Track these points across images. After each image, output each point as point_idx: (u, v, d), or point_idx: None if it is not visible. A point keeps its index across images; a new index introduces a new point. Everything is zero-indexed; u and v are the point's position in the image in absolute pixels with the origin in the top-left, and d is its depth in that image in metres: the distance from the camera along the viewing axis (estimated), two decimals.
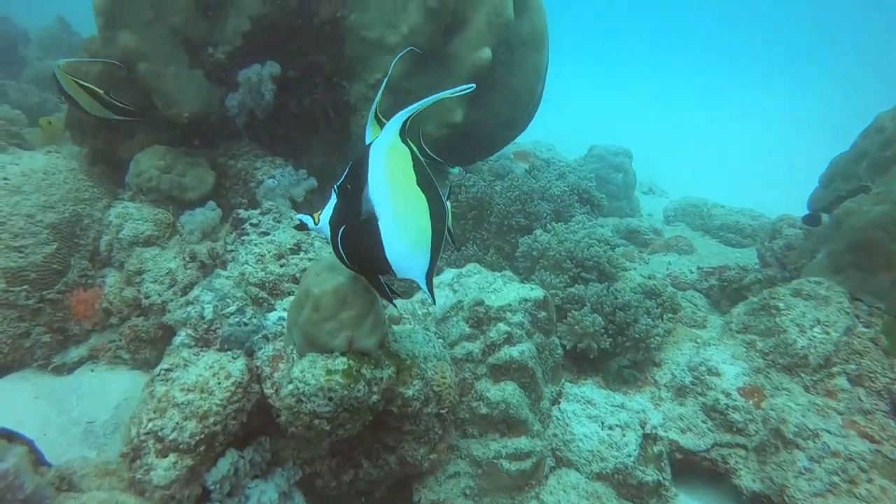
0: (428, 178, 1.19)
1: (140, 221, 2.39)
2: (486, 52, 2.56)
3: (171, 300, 2.16)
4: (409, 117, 1.19)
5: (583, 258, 2.21)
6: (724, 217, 4.23)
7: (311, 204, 2.70)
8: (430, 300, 1.59)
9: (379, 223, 1.19)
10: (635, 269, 2.72)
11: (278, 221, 2.16)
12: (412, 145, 1.21)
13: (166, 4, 2.42)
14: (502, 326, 1.82)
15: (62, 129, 2.96)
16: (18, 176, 2.29)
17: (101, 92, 2.40)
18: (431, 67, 2.67)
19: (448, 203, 1.30)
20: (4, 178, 2.26)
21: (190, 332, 1.78)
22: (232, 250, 2.03)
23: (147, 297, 2.20)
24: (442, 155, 3.04)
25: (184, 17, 2.49)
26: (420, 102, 1.16)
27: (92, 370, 2.23)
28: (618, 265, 2.34)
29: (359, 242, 1.24)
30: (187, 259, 2.27)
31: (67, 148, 2.94)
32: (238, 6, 2.51)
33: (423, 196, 1.18)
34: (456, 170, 2.84)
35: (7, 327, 2.15)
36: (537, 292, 1.97)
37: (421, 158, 1.20)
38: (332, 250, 1.30)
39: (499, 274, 2.12)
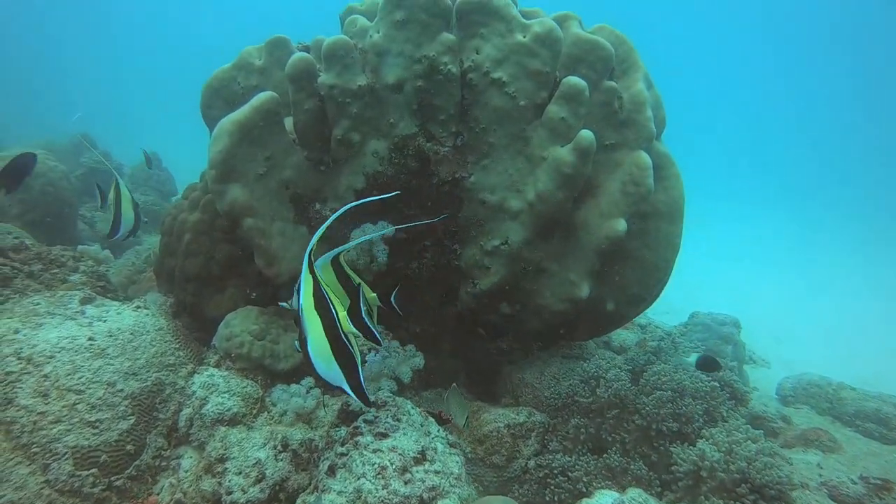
0: (321, 299, 1.42)
1: (227, 395, 2.11)
2: (621, 224, 2.30)
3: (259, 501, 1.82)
4: (311, 250, 1.45)
5: (762, 483, 1.79)
6: (858, 403, 3.71)
7: (415, 389, 2.40)
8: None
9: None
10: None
11: (397, 420, 1.84)
12: (318, 274, 1.46)
13: (281, 158, 2.29)
14: None
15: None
16: (104, 336, 2.07)
17: None
18: (555, 237, 2.43)
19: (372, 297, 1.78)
20: (90, 339, 2.03)
21: None
22: (343, 453, 1.70)
23: (230, 493, 1.86)
24: (555, 334, 2.74)
25: (296, 171, 2.34)
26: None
27: None
28: (795, 484, 1.91)
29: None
30: (279, 448, 1.94)
31: (153, 296, 2.76)
32: (354, 163, 2.36)
33: (317, 316, 1.40)
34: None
35: None
36: None
37: (321, 285, 1.44)
38: None
39: None
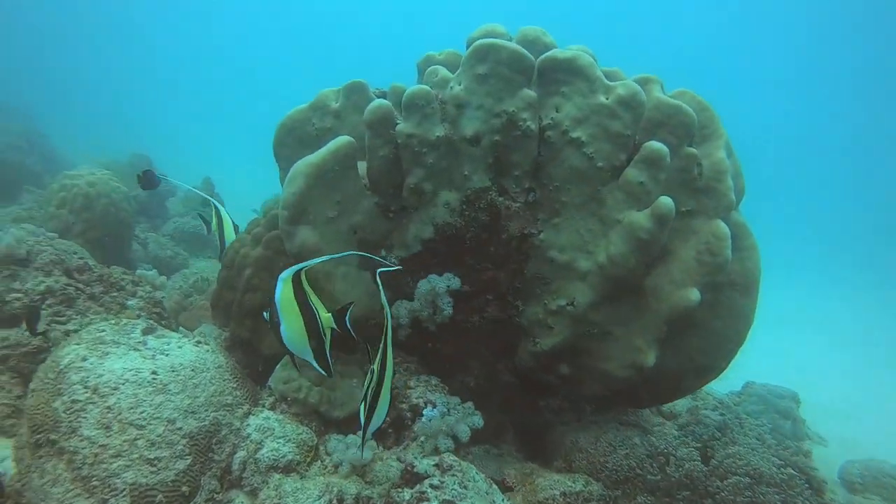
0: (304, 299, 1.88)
1: (282, 441, 2.08)
2: (695, 294, 2.22)
3: None
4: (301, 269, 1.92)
5: None
6: None
7: (468, 450, 2.33)
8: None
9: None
10: None
11: (464, 487, 1.78)
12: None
13: (352, 203, 2.29)
14: None
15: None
16: (167, 371, 2.07)
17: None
18: (622, 301, 2.36)
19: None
20: (153, 373, 2.03)
21: None
22: None
23: None
24: (613, 399, 2.65)
25: (366, 216, 2.34)
26: (308, 262, 1.98)
27: None
28: None
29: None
30: (334, 502, 1.89)
31: (208, 328, 2.77)
32: (424, 212, 2.34)
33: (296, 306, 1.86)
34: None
35: None
36: None
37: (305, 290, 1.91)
38: None
39: None
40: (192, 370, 2.12)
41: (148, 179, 3.11)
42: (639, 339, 2.36)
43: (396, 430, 2.38)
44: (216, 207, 2.99)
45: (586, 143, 2.22)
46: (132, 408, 1.94)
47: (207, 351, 2.26)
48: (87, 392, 1.95)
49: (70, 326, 2.89)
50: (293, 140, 2.50)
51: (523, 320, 2.50)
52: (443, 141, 2.22)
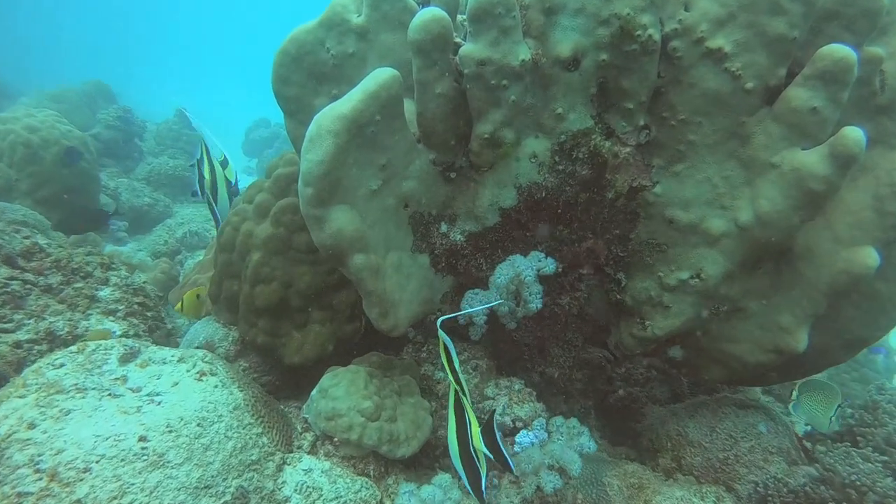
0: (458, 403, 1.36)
1: None
2: (871, 256, 1.63)
3: None
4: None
5: None
6: None
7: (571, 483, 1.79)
8: None
9: None
10: None
11: None
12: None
13: (401, 165, 1.60)
14: None
15: (206, 305, 2.17)
16: (162, 432, 1.43)
17: None
18: (764, 269, 1.76)
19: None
20: (142, 440, 1.40)
21: None
22: None
23: None
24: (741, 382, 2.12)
25: (420, 181, 1.65)
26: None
27: None
28: None
29: None
30: None
31: (209, 328, 2.12)
32: (503, 170, 1.67)
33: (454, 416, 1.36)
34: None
35: None
36: None
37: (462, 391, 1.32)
38: None
39: None
40: (199, 425, 1.49)
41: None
42: (785, 317, 1.78)
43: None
44: (208, 158, 2.23)
45: (731, 56, 1.53)
46: (115, 498, 1.31)
47: (217, 387, 1.61)
48: (40, 479, 1.31)
49: (20, 336, 2.21)
50: (302, 74, 1.75)
51: (627, 298, 1.90)
52: (528, 67, 1.51)
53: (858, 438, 2.08)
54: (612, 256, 1.84)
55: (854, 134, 1.46)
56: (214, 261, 2.10)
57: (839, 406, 1.88)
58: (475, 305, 1.71)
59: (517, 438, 1.70)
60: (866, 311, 1.91)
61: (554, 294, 1.85)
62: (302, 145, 1.44)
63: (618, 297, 1.91)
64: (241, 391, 1.64)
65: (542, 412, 1.87)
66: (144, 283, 2.67)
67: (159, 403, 1.51)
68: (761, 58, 1.52)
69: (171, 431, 1.44)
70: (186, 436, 1.45)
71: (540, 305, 1.69)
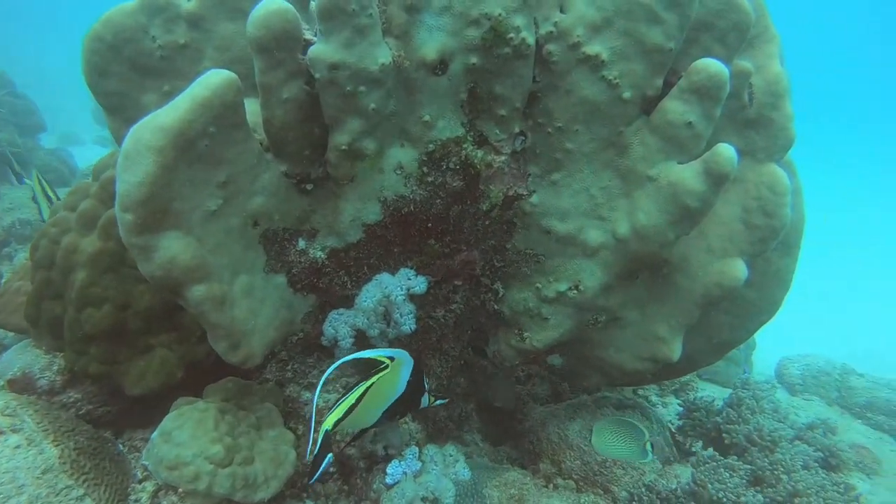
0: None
1: None
2: (740, 269, 1.63)
3: None
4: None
5: None
6: (868, 392, 3.41)
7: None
8: None
9: None
10: None
11: None
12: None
13: (246, 180, 1.38)
14: None
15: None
16: None
17: None
18: (641, 278, 1.73)
19: None
20: None
21: None
22: None
23: None
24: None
25: (270, 196, 1.45)
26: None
27: None
28: None
29: None
30: None
31: (24, 356, 1.85)
32: (366, 183, 1.49)
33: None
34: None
35: None
36: None
37: None
38: None
39: None
40: None
41: None
42: (661, 327, 1.77)
43: (344, 481, 1.70)
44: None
45: (608, 64, 1.43)
46: None
47: (19, 447, 1.36)
48: None
49: None
50: (124, 66, 1.47)
51: (504, 308, 1.82)
52: (389, 71, 1.34)
53: (724, 436, 2.15)
54: (489, 266, 1.74)
55: (727, 152, 1.41)
56: (32, 276, 1.80)
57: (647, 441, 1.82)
58: (339, 327, 1.55)
59: (388, 470, 1.58)
60: (735, 316, 1.94)
61: (428, 307, 1.73)
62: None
63: (495, 307, 1.82)
64: (57, 446, 1.40)
65: (416, 433, 1.77)
66: None
67: None
68: (639, 67, 1.43)
69: None
70: None
71: (414, 327, 1.56)
